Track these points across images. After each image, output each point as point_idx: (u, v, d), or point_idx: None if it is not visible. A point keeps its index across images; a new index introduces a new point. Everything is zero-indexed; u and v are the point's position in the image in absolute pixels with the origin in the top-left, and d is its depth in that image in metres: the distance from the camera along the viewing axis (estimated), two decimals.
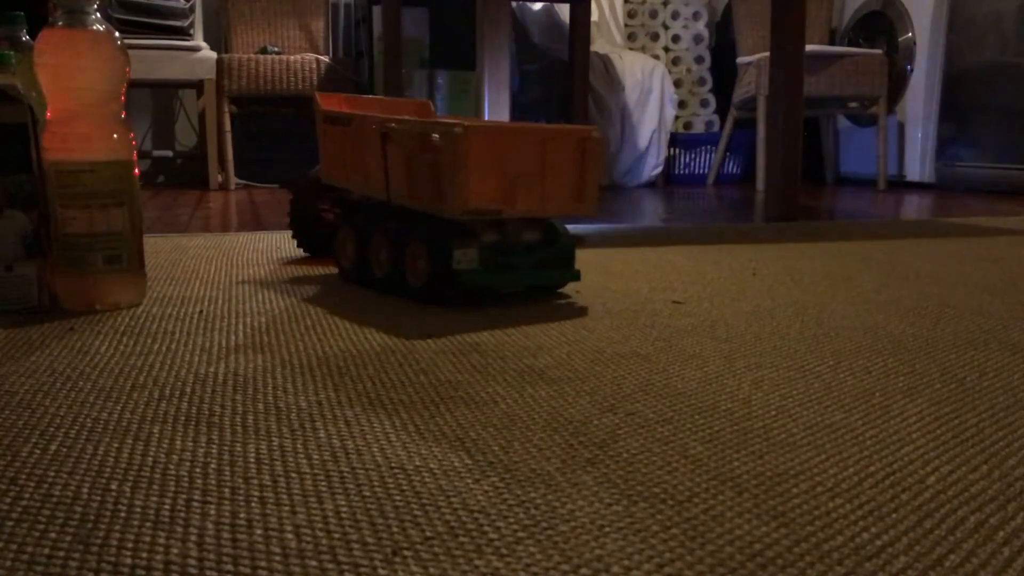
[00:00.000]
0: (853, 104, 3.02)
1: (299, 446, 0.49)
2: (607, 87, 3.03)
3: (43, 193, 0.84)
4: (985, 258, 1.25)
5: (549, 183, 0.88)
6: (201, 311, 0.86)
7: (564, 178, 0.89)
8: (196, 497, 0.42)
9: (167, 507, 0.41)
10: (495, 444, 0.49)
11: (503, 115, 1.67)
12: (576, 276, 0.95)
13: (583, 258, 1.23)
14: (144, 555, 0.36)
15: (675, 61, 3.32)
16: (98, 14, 0.83)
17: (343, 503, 0.41)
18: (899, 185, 3.05)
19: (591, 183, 0.90)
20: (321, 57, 2.81)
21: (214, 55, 2.73)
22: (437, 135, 0.87)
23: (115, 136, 0.85)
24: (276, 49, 2.87)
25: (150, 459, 0.47)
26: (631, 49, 3.28)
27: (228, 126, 2.78)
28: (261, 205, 2.21)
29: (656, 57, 3.28)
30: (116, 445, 0.49)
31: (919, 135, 2.97)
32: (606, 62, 3.04)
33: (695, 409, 0.56)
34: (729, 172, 3.34)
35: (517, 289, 0.97)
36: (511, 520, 0.39)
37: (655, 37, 3.32)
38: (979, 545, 0.37)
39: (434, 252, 0.88)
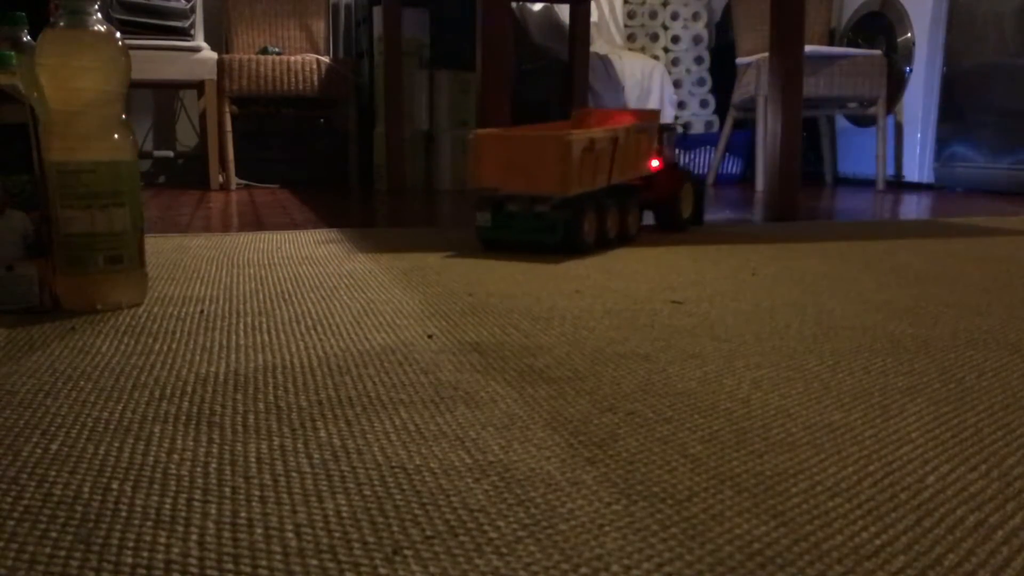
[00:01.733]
0: (852, 104, 3.02)
1: (300, 445, 0.49)
2: (607, 87, 3.03)
3: (44, 193, 0.84)
4: (985, 258, 1.25)
5: (533, 171, 1.27)
6: (202, 311, 0.87)
7: (546, 168, 1.25)
8: (197, 496, 0.42)
9: (168, 506, 0.41)
10: (495, 444, 0.49)
11: (503, 115, 1.67)
12: (552, 239, 1.27)
13: (584, 260, 1.24)
14: (145, 554, 0.36)
15: (674, 62, 3.32)
16: (99, 15, 0.83)
17: (343, 502, 0.41)
18: (897, 185, 3.05)
19: (567, 172, 1.24)
20: (321, 58, 2.82)
21: (215, 56, 2.74)
22: (469, 139, 1.32)
23: (116, 136, 0.85)
24: (277, 50, 2.87)
25: (151, 458, 0.47)
26: (631, 50, 3.28)
27: (229, 126, 2.78)
28: (262, 205, 2.21)
29: (656, 58, 3.28)
30: (117, 444, 0.49)
31: (918, 135, 2.97)
32: (606, 62, 3.04)
33: (694, 409, 0.56)
34: (729, 172, 3.34)
35: (516, 241, 1.31)
36: (511, 519, 0.39)
37: (655, 38, 3.32)
38: (978, 544, 0.37)
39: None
